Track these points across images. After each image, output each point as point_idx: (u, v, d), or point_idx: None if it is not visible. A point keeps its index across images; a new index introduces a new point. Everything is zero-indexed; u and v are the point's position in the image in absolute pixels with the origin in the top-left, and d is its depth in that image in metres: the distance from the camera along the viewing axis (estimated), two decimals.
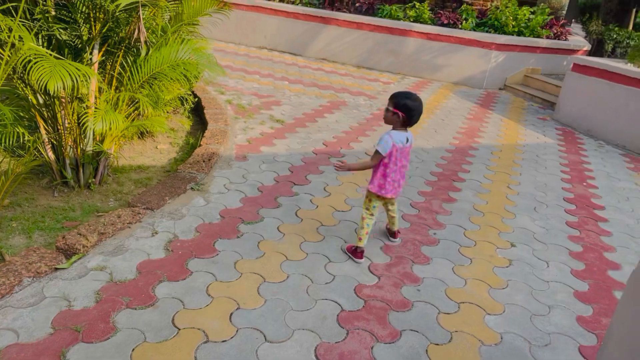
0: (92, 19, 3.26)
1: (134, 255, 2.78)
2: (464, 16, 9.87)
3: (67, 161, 3.51)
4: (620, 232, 3.89)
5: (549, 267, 3.22)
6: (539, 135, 6.51)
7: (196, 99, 5.80)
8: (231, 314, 2.39)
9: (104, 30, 3.33)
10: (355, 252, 3.03)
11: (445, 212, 3.84)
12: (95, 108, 3.33)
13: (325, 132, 5.51)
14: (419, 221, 3.63)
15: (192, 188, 3.68)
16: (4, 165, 3.39)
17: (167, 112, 5.18)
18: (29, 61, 2.74)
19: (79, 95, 3.42)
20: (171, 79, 3.56)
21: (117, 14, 3.22)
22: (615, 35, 11.53)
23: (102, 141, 3.57)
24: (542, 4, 11.16)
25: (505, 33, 9.53)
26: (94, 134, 3.52)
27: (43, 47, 3.13)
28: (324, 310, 2.51)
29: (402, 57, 9.66)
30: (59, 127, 3.41)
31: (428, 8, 10.04)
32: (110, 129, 3.26)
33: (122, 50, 3.48)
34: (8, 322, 2.17)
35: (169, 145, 4.78)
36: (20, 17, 2.76)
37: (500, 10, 9.88)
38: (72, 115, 3.38)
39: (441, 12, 10.02)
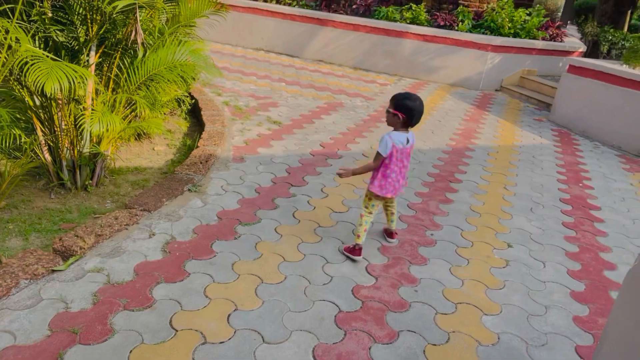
0: (89, 21, 3.26)
1: (131, 256, 2.78)
2: (460, 18, 9.90)
3: (64, 163, 3.50)
4: (616, 232, 3.91)
5: (546, 267, 3.24)
6: (535, 136, 6.53)
7: (193, 101, 5.79)
8: (229, 315, 2.39)
9: (100, 32, 3.33)
10: (354, 250, 3.04)
11: (442, 213, 3.86)
12: (92, 110, 3.33)
13: (322, 133, 5.52)
14: (416, 222, 3.64)
15: (189, 189, 3.67)
16: (1, 167, 3.38)
17: (164, 113, 5.18)
18: (26, 63, 2.74)
19: (76, 97, 3.41)
20: (168, 80, 3.56)
21: (114, 15, 3.22)
22: (610, 37, 11.59)
23: (99, 143, 3.56)
24: (537, 6, 11.21)
25: (501, 35, 9.57)
26: (90, 136, 3.51)
27: (40, 48, 3.13)
28: (322, 311, 2.51)
29: (399, 58, 9.68)
30: (55, 128, 3.40)
31: (424, 10, 10.07)
32: (107, 130, 3.26)
33: (119, 52, 3.48)
34: (5, 324, 2.17)
35: (166, 146, 4.78)
36: (17, 19, 2.76)
37: (497, 12, 9.91)
38: (69, 117, 3.38)
39: (437, 13, 10.05)
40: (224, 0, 9.63)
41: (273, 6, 10.50)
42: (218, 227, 3.22)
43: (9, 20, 2.70)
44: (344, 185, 4.15)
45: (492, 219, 3.85)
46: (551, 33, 10.19)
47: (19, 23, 2.95)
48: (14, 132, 3.07)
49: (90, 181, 3.64)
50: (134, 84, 3.48)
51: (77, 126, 3.38)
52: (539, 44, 9.51)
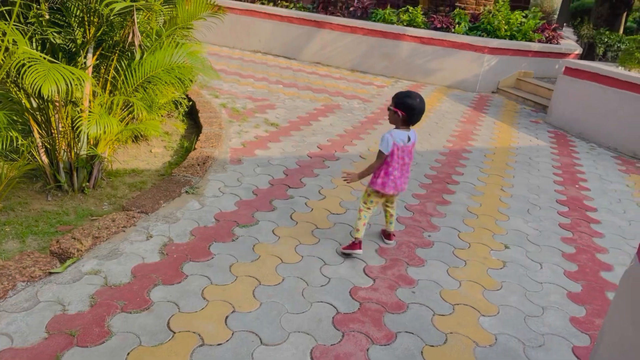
0: (86, 23, 3.26)
1: (129, 259, 2.77)
2: (456, 20, 9.94)
3: (61, 165, 3.50)
4: (613, 233, 3.92)
5: (543, 268, 3.25)
6: (531, 138, 6.56)
7: (190, 103, 5.79)
8: (226, 317, 2.39)
9: (98, 34, 3.33)
10: (353, 245, 3.07)
11: (439, 214, 3.86)
12: (90, 112, 3.33)
13: (319, 135, 5.52)
14: (414, 223, 3.65)
15: (186, 191, 3.67)
16: None
17: (162, 115, 5.18)
18: (23, 65, 2.74)
19: (73, 99, 3.41)
20: (165, 82, 3.56)
21: (112, 17, 3.22)
22: (606, 39, 11.65)
23: (96, 145, 3.56)
24: (534, 8, 11.26)
25: (497, 37, 9.61)
26: (88, 138, 3.51)
27: (37, 51, 3.13)
28: (320, 313, 2.51)
29: (396, 60, 9.71)
30: (52, 131, 3.40)
31: (421, 12, 10.10)
32: (104, 132, 3.26)
33: (116, 54, 3.48)
34: (2, 326, 2.16)
35: (163, 149, 4.78)
36: (14, 21, 2.76)
37: (493, 15, 9.96)
38: (66, 119, 3.37)
39: (434, 16, 10.08)
40: (222, 3, 9.64)
41: (270, 8, 10.51)
42: (215, 229, 3.22)
43: (6, 23, 2.70)
44: (342, 187, 4.16)
45: (489, 220, 3.87)
46: (547, 35, 10.24)
47: (16, 25, 2.95)
48: (11, 134, 3.06)
49: (87, 183, 3.64)
50: (132, 86, 3.48)
51: (74, 128, 3.38)
52: (535, 46, 9.56)
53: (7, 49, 2.73)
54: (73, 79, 2.79)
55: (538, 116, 7.91)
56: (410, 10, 10.07)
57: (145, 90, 3.59)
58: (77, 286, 2.49)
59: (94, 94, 3.50)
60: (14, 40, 2.73)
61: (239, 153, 4.64)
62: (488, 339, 2.48)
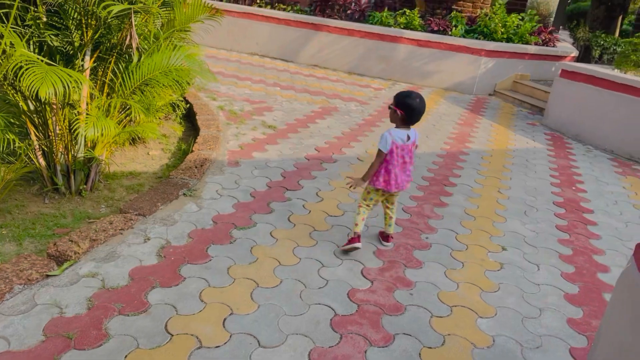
0: (83, 26, 3.26)
1: (126, 261, 2.77)
2: (453, 23, 9.97)
3: (58, 168, 3.49)
4: (609, 235, 3.94)
5: (540, 270, 3.26)
6: (528, 140, 6.58)
7: (188, 105, 5.79)
8: (224, 320, 2.39)
9: (95, 37, 3.33)
10: (352, 239, 3.10)
11: (437, 216, 3.87)
12: (87, 114, 3.32)
13: (317, 137, 5.53)
14: (411, 225, 3.66)
15: (184, 194, 3.67)
16: None
17: (159, 118, 5.17)
18: (21, 67, 2.74)
19: (71, 102, 3.41)
20: (163, 85, 3.56)
21: (109, 20, 3.22)
22: (602, 42, 11.71)
23: (93, 147, 3.56)
24: (530, 11, 11.31)
25: (494, 40, 9.65)
26: (85, 140, 3.51)
27: (34, 53, 3.13)
28: (318, 315, 2.51)
29: (393, 63, 9.73)
30: (50, 133, 3.39)
31: (418, 15, 10.14)
32: (101, 135, 3.25)
33: (114, 57, 3.48)
34: None
35: (160, 151, 4.78)
36: (12, 24, 2.75)
37: (490, 17, 10.00)
38: (64, 121, 3.37)
39: (431, 19, 10.12)
40: (219, 6, 9.64)
41: (268, 11, 10.53)
42: (213, 231, 3.22)
43: (4, 25, 2.70)
44: (339, 189, 4.16)
45: (487, 222, 3.88)
46: (544, 38, 10.28)
47: (14, 28, 2.94)
48: (8, 136, 3.05)
49: (84, 186, 3.63)
50: (129, 89, 3.48)
51: (72, 131, 3.37)
52: (531, 48, 9.60)
53: (4, 52, 2.73)
54: (70, 82, 2.78)
55: (535, 118, 7.94)
56: (407, 13, 10.11)
57: (142, 93, 3.59)
58: (75, 289, 2.48)
59: (91, 96, 3.49)
60: (11, 43, 2.72)
61: (237, 155, 4.64)
62: (486, 341, 2.49)
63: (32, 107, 3.31)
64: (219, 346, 2.21)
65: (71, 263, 2.67)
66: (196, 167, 4.08)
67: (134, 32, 3.14)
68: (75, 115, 3.37)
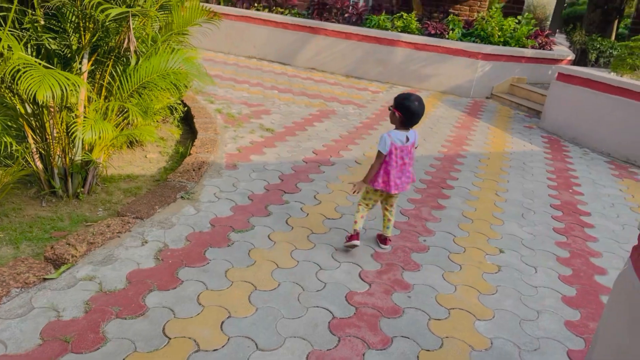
0: (81, 29, 3.26)
1: (124, 264, 2.76)
2: (450, 26, 10.02)
3: (56, 171, 3.48)
4: (606, 237, 3.95)
5: (537, 272, 3.26)
6: (525, 143, 6.60)
7: (186, 108, 5.79)
8: (222, 323, 2.38)
9: (93, 40, 3.33)
10: (351, 237, 3.14)
11: (434, 219, 3.88)
12: (85, 117, 3.32)
13: (315, 140, 5.54)
14: (409, 228, 3.66)
15: (182, 197, 3.67)
16: None
17: (157, 121, 5.17)
18: (18, 71, 2.73)
19: (68, 105, 3.41)
20: (161, 88, 3.56)
21: (107, 23, 3.22)
22: (598, 45, 11.77)
23: (91, 150, 3.55)
24: (527, 14, 11.37)
25: (491, 43, 9.69)
26: (82, 144, 3.50)
27: (32, 56, 3.12)
28: (316, 318, 2.51)
29: (391, 66, 9.76)
30: (47, 136, 3.39)
31: (415, 18, 10.17)
32: (99, 138, 3.25)
33: (111, 60, 3.48)
34: None
35: (158, 154, 4.77)
36: (9, 27, 2.76)
37: (486, 21, 10.04)
38: (61, 124, 3.37)
39: (428, 22, 10.16)
40: (217, 9, 9.65)
41: (265, 14, 10.55)
42: (211, 234, 3.22)
43: (2, 28, 2.70)
44: (337, 192, 4.17)
45: (484, 224, 3.88)
46: (540, 41, 10.33)
47: (11, 31, 2.94)
48: (5, 139, 3.05)
49: (82, 189, 3.62)
50: (127, 92, 3.48)
51: (69, 134, 3.37)
52: (528, 52, 9.64)
53: (2, 55, 2.73)
54: (68, 85, 2.78)
55: (532, 121, 7.96)
56: (404, 17, 10.14)
57: (140, 96, 3.59)
58: (72, 292, 2.47)
59: (89, 99, 3.49)
60: (9, 46, 2.73)
61: (235, 158, 4.64)
62: (484, 343, 2.49)
63: (29, 110, 3.31)
64: (217, 349, 2.21)
65: (68, 266, 2.67)
66: (194, 170, 4.08)
67: (132, 35, 3.15)
68: (73, 118, 3.36)
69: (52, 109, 3.30)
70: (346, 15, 10.55)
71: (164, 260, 2.85)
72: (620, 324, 1.63)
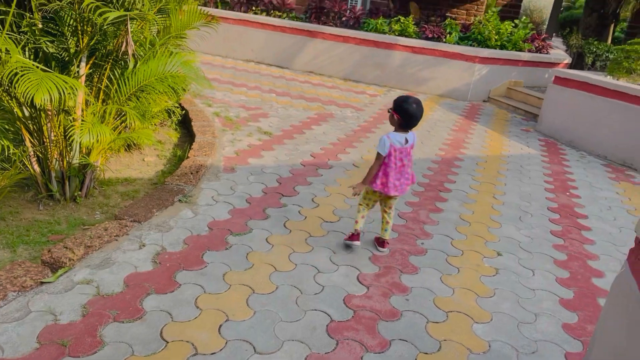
0: (79, 32, 3.26)
1: (121, 268, 2.76)
2: (447, 30, 10.05)
3: (53, 174, 3.48)
4: (603, 240, 3.96)
5: (535, 275, 3.27)
6: (522, 146, 6.62)
7: (184, 112, 5.80)
8: (220, 326, 2.38)
9: (91, 43, 3.33)
10: (352, 236, 3.22)
11: (432, 222, 3.88)
12: (82, 120, 3.32)
13: (312, 143, 5.54)
14: (407, 231, 3.66)
15: (179, 200, 3.66)
16: None
17: (155, 124, 5.17)
18: (16, 74, 2.73)
19: (66, 108, 3.40)
20: (159, 91, 3.56)
21: (105, 27, 3.23)
22: (594, 49, 11.82)
23: (88, 154, 3.55)
24: (524, 18, 11.41)
25: (488, 47, 9.72)
26: (80, 147, 3.50)
27: (30, 59, 3.12)
28: (314, 321, 2.51)
29: (388, 70, 9.78)
30: (44, 139, 3.38)
31: (413, 22, 10.20)
32: (97, 141, 3.25)
33: (109, 63, 3.49)
34: None
35: (156, 157, 4.77)
36: (7, 30, 2.76)
37: (483, 25, 10.08)
38: (59, 127, 3.36)
39: (425, 26, 10.19)
40: (215, 13, 9.68)
41: (263, 18, 10.57)
42: (209, 237, 3.21)
43: None
44: (335, 195, 4.17)
45: (482, 227, 3.89)
46: (537, 45, 10.37)
47: (9, 34, 2.95)
48: (2, 143, 3.05)
49: (79, 192, 3.62)
50: (125, 95, 3.48)
51: (67, 137, 3.37)
52: (525, 55, 9.68)
53: None
54: (66, 88, 2.78)
55: (528, 125, 7.99)
56: (401, 20, 10.17)
57: (138, 99, 3.59)
58: (69, 296, 2.47)
59: (86, 102, 3.49)
60: (6, 49, 2.72)
61: (233, 161, 4.64)
62: (482, 346, 2.49)
63: (27, 114, 3.31)
64: (214, 353, 2.20)
65: (66, 270, 2.66)
66: (192, 174, 4.07)
67: (129, 39, 3.15)
68: (71, 122, 3.36)
69: (49, 112, 3.30)
70: (344, 18, 10.57)
71: (162, 263, 2.85)
72: (617, 326, 1.63)
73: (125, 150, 4.69)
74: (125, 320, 2.34)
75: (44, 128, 3.34)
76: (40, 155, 3.44)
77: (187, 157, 4.46)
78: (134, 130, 3.94)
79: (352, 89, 9.17)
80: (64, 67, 3.39)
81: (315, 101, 7.76)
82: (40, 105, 2.88)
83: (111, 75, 3.54)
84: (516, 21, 10.84)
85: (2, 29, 2.76)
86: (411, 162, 3.13)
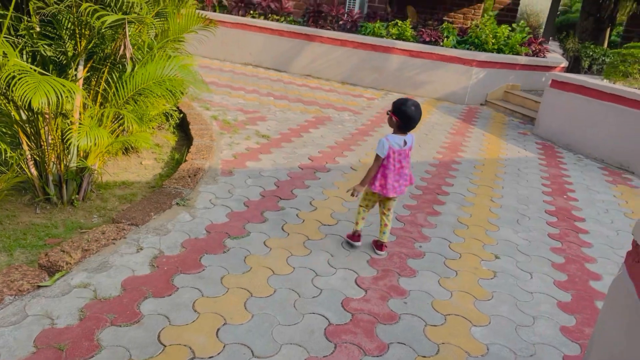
0: (77, 35, 3.26)
1: (119, 271, 2.75)
2: (445, 34, 10.09)
3: (50, 177, 3.47)
4: (601, 243, 3.97)
5: (533, 278, 3.27)
6: (519, 149, 6.64)
7: (181, 115, 5.79)
8: (218, 330, 2.37)
9: (89, 47, 3.33)
10: (352, 236, 3.29)
11: (430, 225, 3.89)
12: (80, 124, 3.32)
13: (310, 147, 5.54)
14: (405, 234, 3.67)
15: (177, 203, 3.66)
16: None
17: (152, 127, 5.17)
18: (13, 77, 2.73)
19: (63, 111, 3.40)
20: (156, 95, 3.56)
21: (103, 30, 3.23)
22: (591, 53, 11.88)
23: (86, 157, 3.54)
24: (521, 22, 11.47)
25: (485, 50, 9.76)
26: (77, 150, 3.49)
27: (27, 63, 3.12)
28: (312, 324, 2.50)
29: (386, 73, 9.81)
30: (42, 143, 3.38)
31: (410, 26, 10.24)
32: (94, 144, 3.25)
33: (107, 67, 3.48)
34: None
35: (153, 161, 4.76)
36: (5, 33, 2.75)
37: (480, 29, 10.12)
38: (56, 131, 3.36)
39: (423, 29, 10.22)
40: (213, 16, 9.70)
41: (261, 22, 10.59)
42: (207, 240, 3.21)
43: None
44: (333, 198, 4.17)
45: (479, 230, 3.89)
46: (534, 49, 10.42)
47: (7, 37, 2.94)
48: (0, 146, 3.04)
49: (76, 196, 3.61)
50: (122, 98, 3.48)
51: (64, 140, 3.36)
52: (522, 59, 9.72)
53: None
54: (63, 91, 2.78)
55: (526, 128, 8.01)
56: (399, 24, 10.21)
57: (136, 103, 3.59)
58: (66, 299, 2.46)
59: (84, 106, 3.49)
60: (4, 53, 2.72)
61: (230, 165, 4.64)
62: (480, 349, 2.49)
63: (24, 117, 3.30)
64: (212, 357, 2.20)
65: (63, 273, 2.65)
66: (189, 177, 4.07)
67: (127, 42, 3.15)
68: (68, 125, 3.36)
69: (47, 116, 3.30)
70: (341, 22, 10.60)
71: (159, 267, 2.84)
72: (615, 329, 1.64)
73: (123, 153, 4.68)
74: (122, 324, 2.33)
75: (42, 131, 3.34)
76: (37, 158, 3.43)
77: (185, 161, 4.46)
78: (131, 134, 3.94)
79: (349, 93, 9.19)
80: (62, 70, 3.39)
81: (313, 104, 7.76)
82: (38, 109, 2.88)
83: (109, 79, 3.54)
84: (513, 25, 10.89)
85: None
86: (409, 163, 3.15)
